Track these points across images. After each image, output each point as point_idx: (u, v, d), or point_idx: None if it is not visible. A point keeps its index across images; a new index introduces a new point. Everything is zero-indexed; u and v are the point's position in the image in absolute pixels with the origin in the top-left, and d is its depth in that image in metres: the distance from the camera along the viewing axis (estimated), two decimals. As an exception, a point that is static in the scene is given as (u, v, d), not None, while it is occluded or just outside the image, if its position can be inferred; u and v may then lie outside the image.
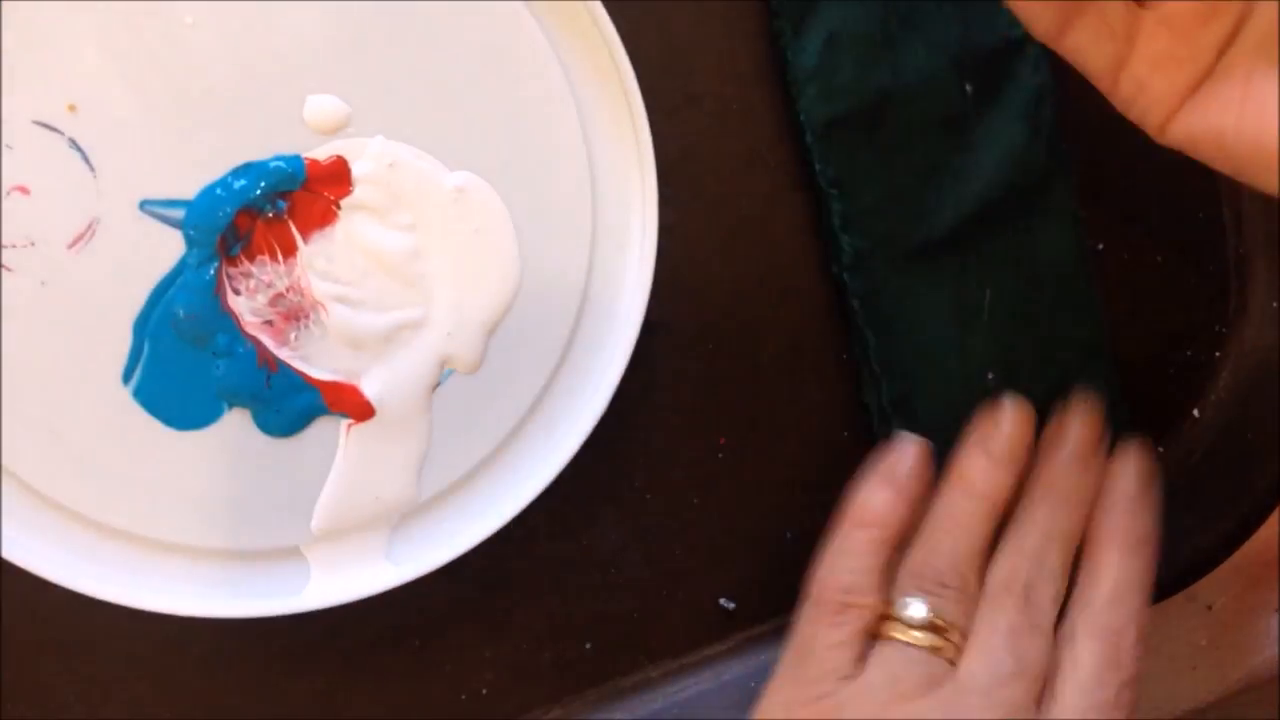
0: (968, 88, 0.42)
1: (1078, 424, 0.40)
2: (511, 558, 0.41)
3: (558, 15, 0.37)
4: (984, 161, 0.42)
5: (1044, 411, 0.41)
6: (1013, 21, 0.40)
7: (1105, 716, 0.37)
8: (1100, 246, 0.44)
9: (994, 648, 0.37)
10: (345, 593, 0.38)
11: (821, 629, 0.38)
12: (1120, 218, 0.44)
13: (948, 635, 0.37)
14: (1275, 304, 0.44)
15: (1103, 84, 0.37)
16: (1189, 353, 0.45)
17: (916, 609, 0.37)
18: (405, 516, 0.39)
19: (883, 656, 0.37)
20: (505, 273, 0.38)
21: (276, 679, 0.41)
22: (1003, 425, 0.40)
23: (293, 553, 0.38)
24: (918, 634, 0.37)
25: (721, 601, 0.43)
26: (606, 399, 0.39)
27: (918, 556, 0.38)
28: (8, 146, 0.34)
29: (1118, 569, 0.39)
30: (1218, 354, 0.45)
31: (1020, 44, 0.42)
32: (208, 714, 0.40)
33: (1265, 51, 0.34)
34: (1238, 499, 0.45)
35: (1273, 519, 0.45)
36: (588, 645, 0.43)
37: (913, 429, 0.41)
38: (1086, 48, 0.37)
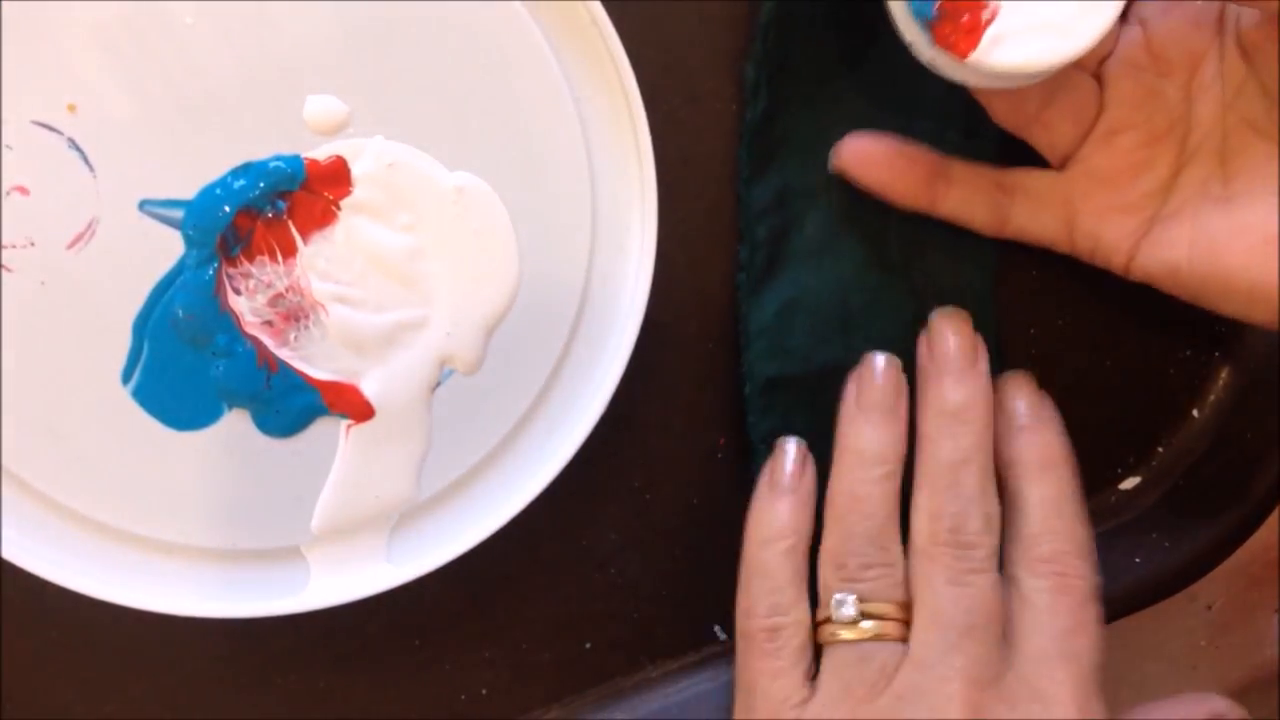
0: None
1: (948, 336, 0.39)
2: (511, 558, 0.41)
3: (557, 15, 0.37)
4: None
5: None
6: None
7: (1072, 643, 0.37)
8: (1100, 246, 0.44)
9: (939, 610, 0.36)
10: (345, 593, 0.38)
11: (758, 662, 0.37)
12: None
13: (889, 615, 0.37)
14: (1275, 304, 0.44)
15: (1060, 248, 0.40)
16: (1189, 353, 0.45)
17: (848, 605, 0.37)
18: (405, 517, 0.39)
19: (831, 664, 0.37)
20: (505, 273, 0.38)
21: (276, 679, 0.41)
22: (871, 379, 0.39)
23: (292, 553, 0.38)
24: (858, 628, 0.37)
25: (716, 629, 0.43)
26: (606, 399, 0.39)
27: (831, 546, 0.38)
28: (7, 147, 0.34)
29: (1040, 495, 0.38)
30: (1217, 354, 0.45)
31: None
32: (208, 714, 0.40)
33: (1206, 192, 0.37)
34: (1238, 499, 0.45)
35: (1273, 519, 0.45)
36: (587, 645, 0.43)
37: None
38: (1032, 220, 0.40)
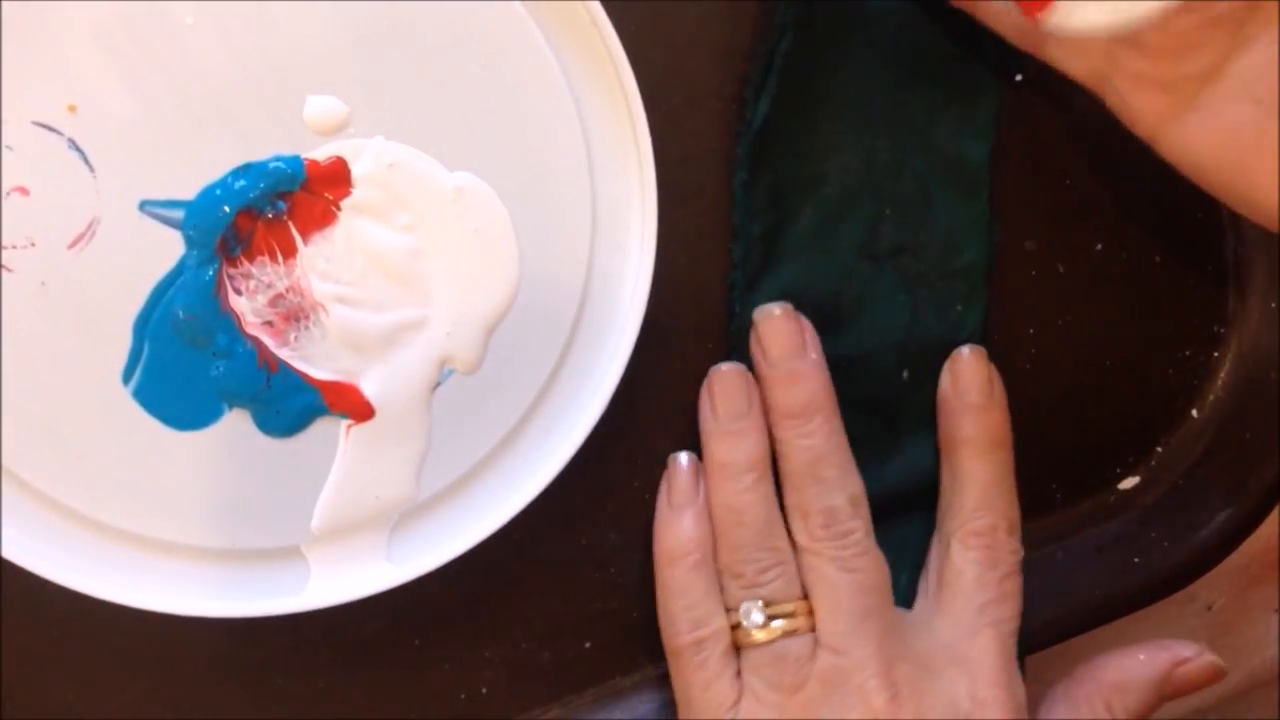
0: (904, 374, 0.42)
1: (775, 338, 0.40)
2: (511, 557, 0.41)
3: (557, 16, 0.37)
4: (908, 449, 0.43)
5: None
6: (962, 321, 0.42)
7: (996, 611, 0.40)
8: (1099, 246, 0.44)
9: (837, 600, 0.39)
10: (345, 592, 0.38)
11: (689, 675, 0.40)
12: (1119, 218, 0.44)
13: (794, 611, 0.39)
14: (1274, 304, 0.44)
15: (1090, 89, 0.38)
16: (1188, 353, 0.45)
17: (755, 612, 0.39)
18: (405, 516, 0.39)
19: (751, 665, 0.39)
20: (505, 273, 0.38)
21: (276, 679, 0.41)
22: (721, 390, 0.41)
23: (293, 553, 0.38)
24: (769, 629, 0.39)
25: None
26: (606, 399, 0.39)
27: (725, 559, 0.40)
28: (7, 147, 0.34)
29: (984, 474, 0.41)
30: (1216, 354, 0.45)
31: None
32: (208, 714, 0.40)
33: (1248, 93, 0.35)
34: (1237, 499, 0.45)
35: (1273, 519, 0.45)
36: (587, 644, 0.43)
37: None
38: (1065, 60, 0.38)
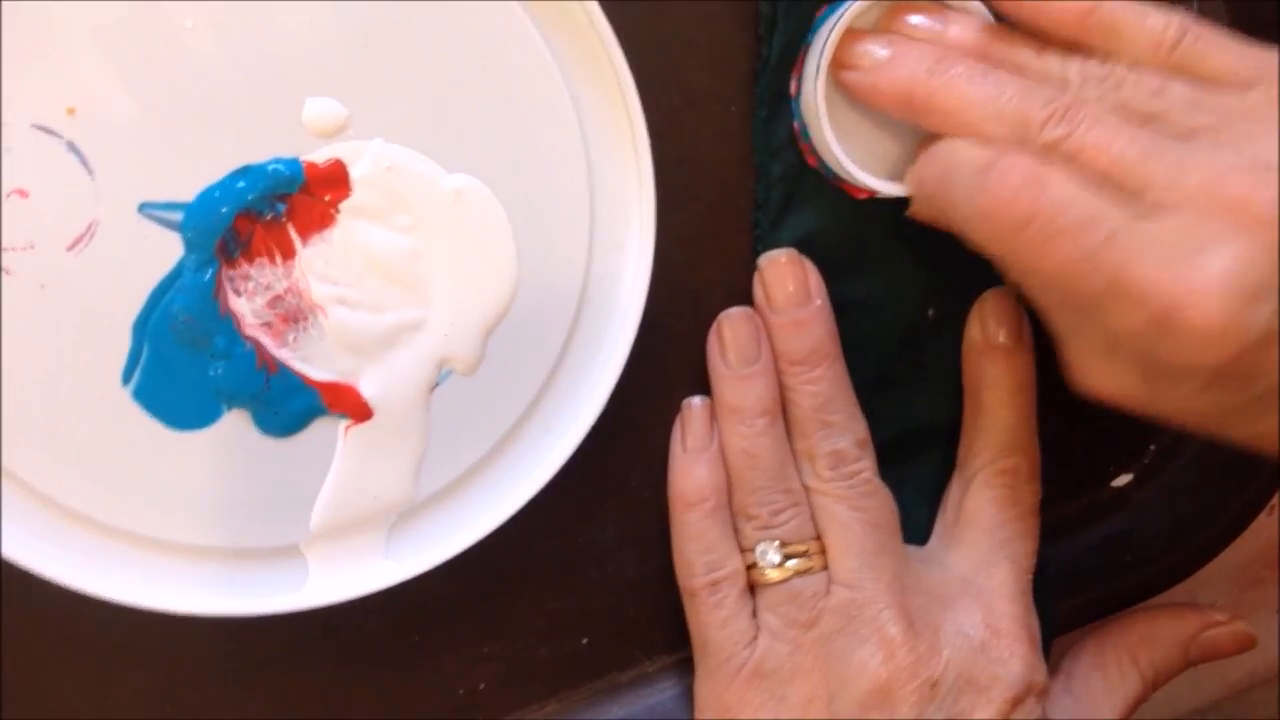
0: (930, 311, 0.42)
1: (783, 283, 0.40)
2: (509, 555, 0.41)
3: (555, 17, 0.37)
4: (933, 385, 0.43)
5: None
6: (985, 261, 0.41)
7: (1012, 547, 0.41)
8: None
9: (849, 539, 0.39)
10: (344, 590, 0.38)
11: (706, 617, 0.40)
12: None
13: (809, 551, 0.40)
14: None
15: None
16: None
17: (771, 552, 0.40)
18: (403, 515, 0.39)
19: (769, 603, 0.40)
20: (503, 274, 0.38)
21: (276, 678, 0.41)
22: (728, 334, 0.41)
23: (292, 551, 0.38)
24: (784, 568, 0.40)
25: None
26: (604, 399, 0.39)
27: (740, 502, 0.40)
28: (7, 150, 0.35)
29: (1011, 416, 0.41)
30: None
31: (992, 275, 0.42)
32: (207, 712, 0.41)
33: None
34: (1232, 495, 0.45)
35: (1272, 519, 0.45)
36: (585, 641, 0.43)
37: None
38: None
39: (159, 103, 0.35)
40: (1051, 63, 0.36)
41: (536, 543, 0.42)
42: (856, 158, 0.39)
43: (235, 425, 0.37)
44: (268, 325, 0.37)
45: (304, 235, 0.37)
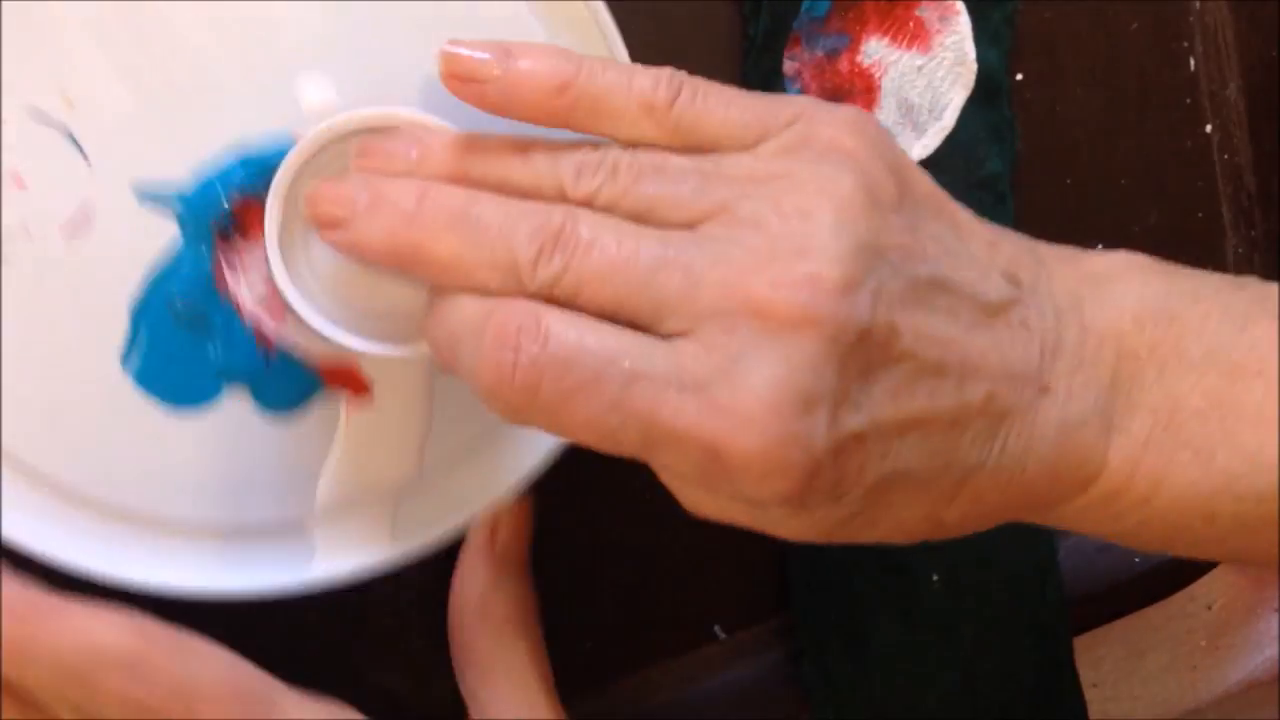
0: None
1: None
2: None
3: (560, 15, 0.37)
4: None
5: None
6: None
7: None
8: (1099, 246, 0.44)
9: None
10: (349, 569, 0.38)
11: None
12: (1119, 217, 0.44)
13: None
14: (1274, 304, 0.45)
15: None
16: (1188, 352, 0.45)
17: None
18: (408, 492, 0.38)
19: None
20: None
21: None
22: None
23: (295, 531, 0.38)
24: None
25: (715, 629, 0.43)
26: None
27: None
28: (5, 142, 0.34)
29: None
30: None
31: None
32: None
33: None
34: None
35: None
36: (588, 645, 0.43)
37: None
38: None
39: (154, 87, 0.35)
40: (540, 164, 0.31)
41: (537, 546, 0.41)
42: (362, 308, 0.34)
43: (235, 404, 0.37)
44: (266, 304, 0.37)
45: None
